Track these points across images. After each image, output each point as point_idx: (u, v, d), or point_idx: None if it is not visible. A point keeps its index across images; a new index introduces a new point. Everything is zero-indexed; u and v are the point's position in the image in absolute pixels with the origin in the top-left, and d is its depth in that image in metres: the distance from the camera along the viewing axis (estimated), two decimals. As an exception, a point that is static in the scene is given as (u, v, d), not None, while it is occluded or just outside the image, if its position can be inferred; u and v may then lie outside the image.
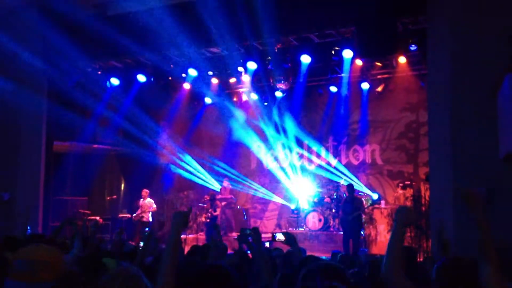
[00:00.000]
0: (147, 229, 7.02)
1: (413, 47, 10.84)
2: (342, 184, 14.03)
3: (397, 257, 2.37)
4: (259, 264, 3.74)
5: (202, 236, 13.90)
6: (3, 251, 3.63)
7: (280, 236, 4.99)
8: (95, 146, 14.94)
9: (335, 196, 13.75)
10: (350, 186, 12.22)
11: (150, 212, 13.87)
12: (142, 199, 13.92)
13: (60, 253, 2.34)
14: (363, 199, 12.95)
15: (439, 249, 3.77)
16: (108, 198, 15.50)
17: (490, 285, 2.26)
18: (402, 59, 12.54)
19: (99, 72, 13.44)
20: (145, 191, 14.04)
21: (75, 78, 13.03)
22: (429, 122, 9.28)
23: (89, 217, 13.39)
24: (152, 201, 14.01)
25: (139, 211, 13.78)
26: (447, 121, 8.06)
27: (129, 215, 14.24)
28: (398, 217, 2.44)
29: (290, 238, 4.75)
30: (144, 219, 13.71)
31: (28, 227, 7.70)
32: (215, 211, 14.15)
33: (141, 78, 13.45)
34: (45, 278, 2.15)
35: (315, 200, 14.09)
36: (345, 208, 11.80)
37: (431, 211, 9.15)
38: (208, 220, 13.97)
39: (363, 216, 12.21)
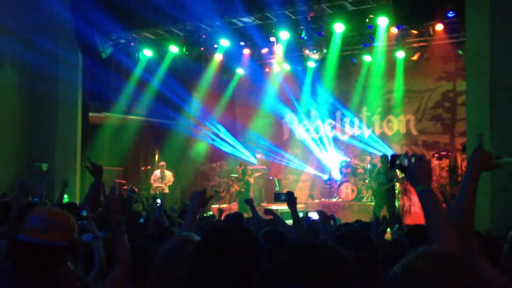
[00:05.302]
0: (158, 200, 6.91)
1: (450, 14, 10.48)
2: (374, 155, 13.89)
3: (470, 198, 2.15)
4: (295, 228, 3.77)
5: (235, 206, 14.04)
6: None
7: (313, 215, 5.00)
8: (130, 117, 15.14)
9: (368, 167, 13.62)
10: (384, 157, 12.10)
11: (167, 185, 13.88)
12: (158, 172, 13.83)
13: (73, 219, 2.30)
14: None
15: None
16: (143, 168, 15.76)
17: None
18: (439, 26, 12.12)
19: (132, 44, 13.52)
20: (163, 163, 14.07)
21: (108, 50, 13.18)
22: (467, 91, 9.02)
23: (124, 187, 13.65)
24: (171, 173, 14.09)
25: (164, 183, 13.71)
26: (486, 89, 7.82)
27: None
28: (473, 160, 2.22)
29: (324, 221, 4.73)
30: (165, 191, 13.69)
31: (66, 196, 7.92)
32: (247, 181, 14.23)
33: (174, 49, 13.47)
34: (55, 237, 2.10)
35: (348, 170, 13.98)
36: (378, 179, 11.76)
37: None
38: (242, 190, 14.06)
39: (398, 186, 12.08)
